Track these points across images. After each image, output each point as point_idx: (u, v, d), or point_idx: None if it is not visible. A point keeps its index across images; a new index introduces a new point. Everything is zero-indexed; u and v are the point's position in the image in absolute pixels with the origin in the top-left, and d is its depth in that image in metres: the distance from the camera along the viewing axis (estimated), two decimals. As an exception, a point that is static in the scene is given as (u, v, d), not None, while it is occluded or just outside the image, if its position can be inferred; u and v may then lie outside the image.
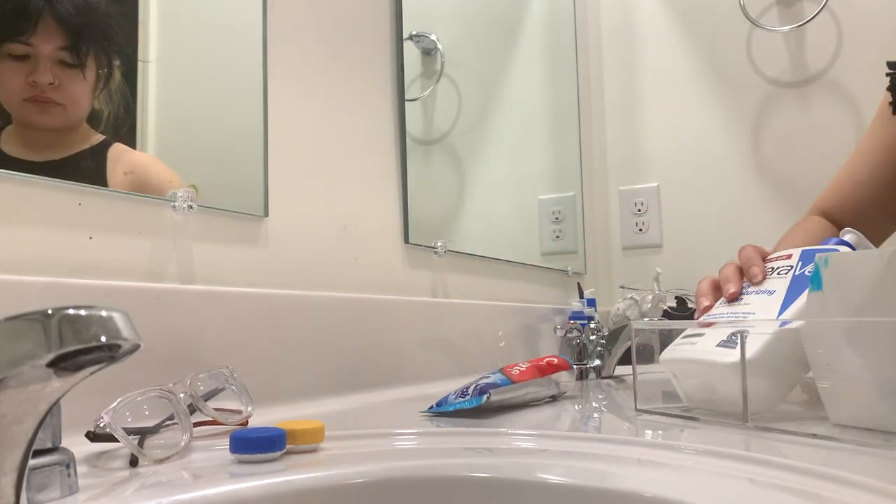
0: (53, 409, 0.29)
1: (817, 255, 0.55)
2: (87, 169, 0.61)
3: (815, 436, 0.51)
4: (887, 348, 0.48)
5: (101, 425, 0.47)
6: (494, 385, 0.68)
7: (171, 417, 0.53)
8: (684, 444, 0.49)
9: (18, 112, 0.57)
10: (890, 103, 0.65)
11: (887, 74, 0.64)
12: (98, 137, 0.63)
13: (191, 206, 0.68)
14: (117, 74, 0.64)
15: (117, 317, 0.27)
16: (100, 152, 0.63)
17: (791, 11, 1.60)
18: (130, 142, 0.65)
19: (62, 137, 0.60)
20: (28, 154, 0.57)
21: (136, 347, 0.28)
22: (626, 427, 0.60)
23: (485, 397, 0.65)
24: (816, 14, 1.53)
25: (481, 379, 0.71)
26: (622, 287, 1.54)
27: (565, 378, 0.78)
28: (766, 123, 1.62)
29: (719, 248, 1.63)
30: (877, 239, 0.90)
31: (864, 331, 0.50)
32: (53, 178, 0.58)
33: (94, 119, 0.63)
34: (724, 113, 1.66)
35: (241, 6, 0.79)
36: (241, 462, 0.47)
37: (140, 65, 0.67)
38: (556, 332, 1.20)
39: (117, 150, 0.64)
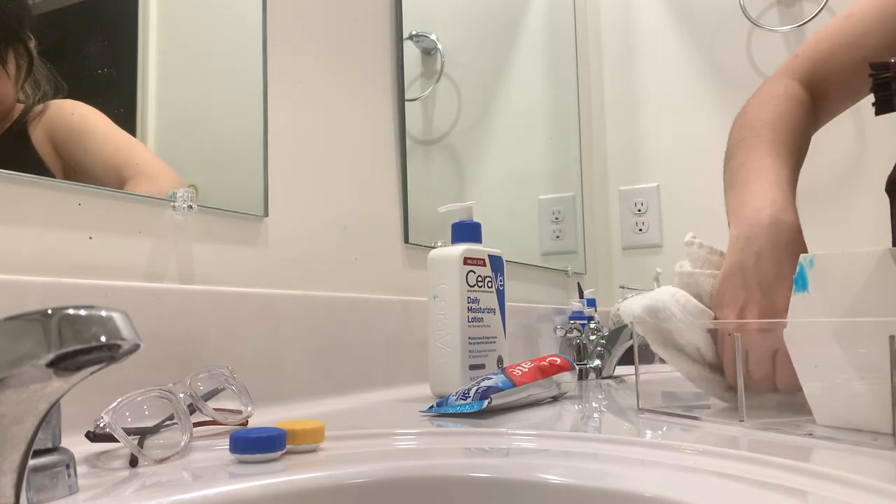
0: (53, 409, 0.29)
1: (802, 255, 0.55)
2: (9, 142, 0.58)
3: (810, 435, 0.51)
4: (873, 349, 0.48)
5: (101, 425, 0.46)
6: (496, 388, 0.68)
7: (171, 417, 0.53)
8: (685, 444, 0.49)
9: None
10: (873, 104, 0.66)
11: (870, 75, 0.64)
12: (19, 108, 0.59)
13: (190, 206, 0.68)
14: (36, 59, 0.60)
15: (117, 317, 0.27)
16: (20, 120, 0.59)
17: (791, 11, 1.60)
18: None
19: None
20: None
21: (136, 347, 0.28)
22: (627, 427, 0.60)
23: (486, 402, 0.65)
24: (817, 14, 1.53)
25: (483, 380, 0.70)
26: (622, 287, 1.54)
27: (567, 378, 0.78)
28: (766, 123, 1.61)
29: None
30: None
31: (850, 331, 0.50)
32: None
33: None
34: (725, 113, 1.66)
35: (241, 6, 0.79)
36: (240, 462, 0.47)
37: (140, 68, 0.67)
38: (556, 332, 1.20)
39: (38, 110, 0.60)
